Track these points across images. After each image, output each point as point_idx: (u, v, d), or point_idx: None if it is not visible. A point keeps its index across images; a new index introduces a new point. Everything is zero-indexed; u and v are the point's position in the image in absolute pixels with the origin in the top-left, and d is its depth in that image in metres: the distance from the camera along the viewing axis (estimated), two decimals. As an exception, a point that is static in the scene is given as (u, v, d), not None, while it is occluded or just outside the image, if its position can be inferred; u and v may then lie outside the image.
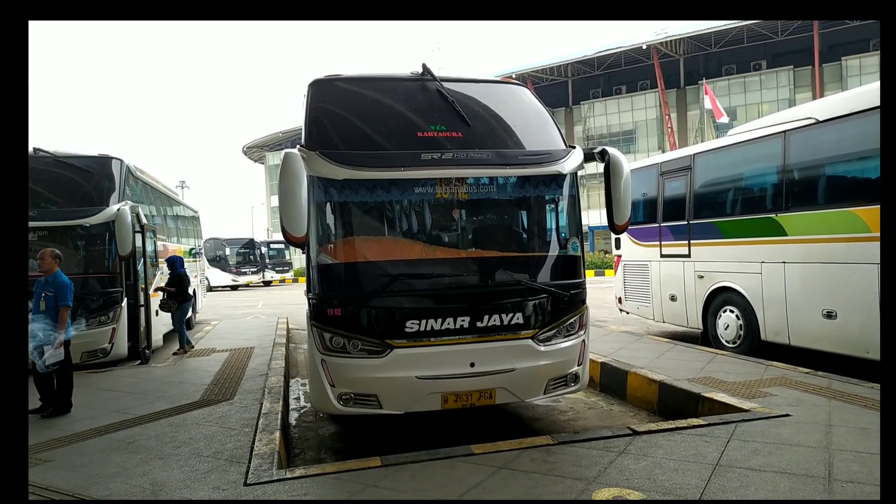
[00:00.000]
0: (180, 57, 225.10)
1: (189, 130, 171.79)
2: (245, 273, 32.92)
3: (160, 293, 9.72)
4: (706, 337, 8.58)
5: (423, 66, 5.25)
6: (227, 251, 32.41)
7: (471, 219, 5.19)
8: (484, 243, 5.10)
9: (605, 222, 5.27)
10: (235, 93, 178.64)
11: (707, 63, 41.48)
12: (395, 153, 4.58)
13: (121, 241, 7.83)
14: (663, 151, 35.18)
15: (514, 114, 5.30)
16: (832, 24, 35.09)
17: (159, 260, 10.59)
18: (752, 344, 7.69)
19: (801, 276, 6.89)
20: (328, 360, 4.60)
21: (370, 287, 4.67)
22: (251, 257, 34.24)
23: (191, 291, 10.53)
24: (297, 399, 7.26)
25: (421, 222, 4.97)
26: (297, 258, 37.97)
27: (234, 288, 31.77)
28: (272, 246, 37.50)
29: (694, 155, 8.87)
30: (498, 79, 6.24)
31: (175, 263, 9.84)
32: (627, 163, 5.09)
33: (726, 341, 8.17)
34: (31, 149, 8.61)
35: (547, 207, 5.26)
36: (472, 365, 4.60)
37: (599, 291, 13.84)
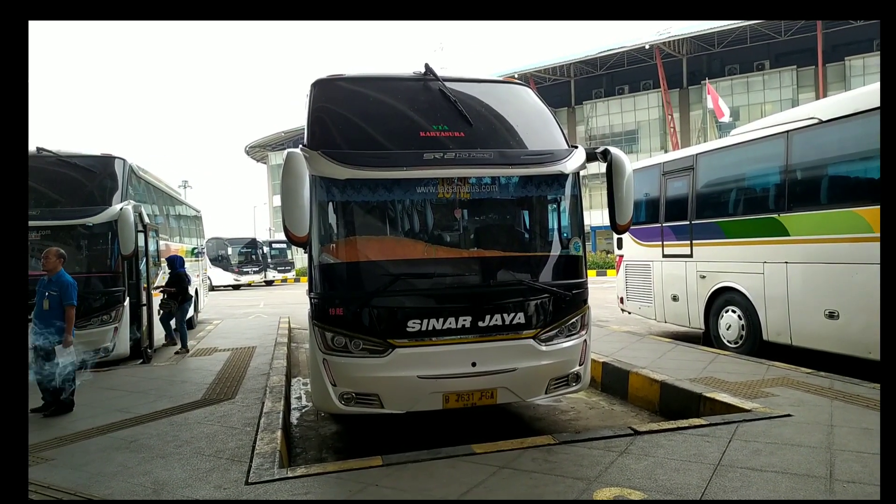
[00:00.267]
0: (183, 57, 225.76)
1: (191, 130, 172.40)
2: (247, 273, 33.01)
3: (160, 293, 9.73)
4: (708, 337, 8.57)
5: (426, 65, 5.25)
6: (230, 251, 32.51)
7: (473, 218, 5.18)
8: (486, 243, 5.09)
9: (607, 222, 5.27)
10: (238, 93, 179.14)
11: (710, 63, 41.34)
12: (397, 153, 4.58)
13: (123, 241, 7.87)
14: (666, 151, 35.05)
15: (516, 114, 5.30)
16: (835, 24, 34.92)
17: (161, 259, 10.61)
18: (754, 344, 7.68)
19: (803, 276, 6.88)
20: (330, 359, 4.60)
21: (372, 286, 4.66)
22: (253, 257, 34.32)
23: (192, 291, 10.54)
24: (299, 398, 7.27)
25: (423, 222, 4.98)
26: (299, 258, 38.05)
27: (236, 287, 31.80)
28: (274, 246, 37.65)
29: (696, 155, 8.86)
30: (500, 79, 6.23)
31: (175, 263, 9.82)
32: (630, 163, 5.09)
33: (728, 341, 8.16)
34: (34, 148, 8.65)
35: (549, 207, 5.25)
36: (474, 365, 4.60)
37: (601, 291, 13.83)
